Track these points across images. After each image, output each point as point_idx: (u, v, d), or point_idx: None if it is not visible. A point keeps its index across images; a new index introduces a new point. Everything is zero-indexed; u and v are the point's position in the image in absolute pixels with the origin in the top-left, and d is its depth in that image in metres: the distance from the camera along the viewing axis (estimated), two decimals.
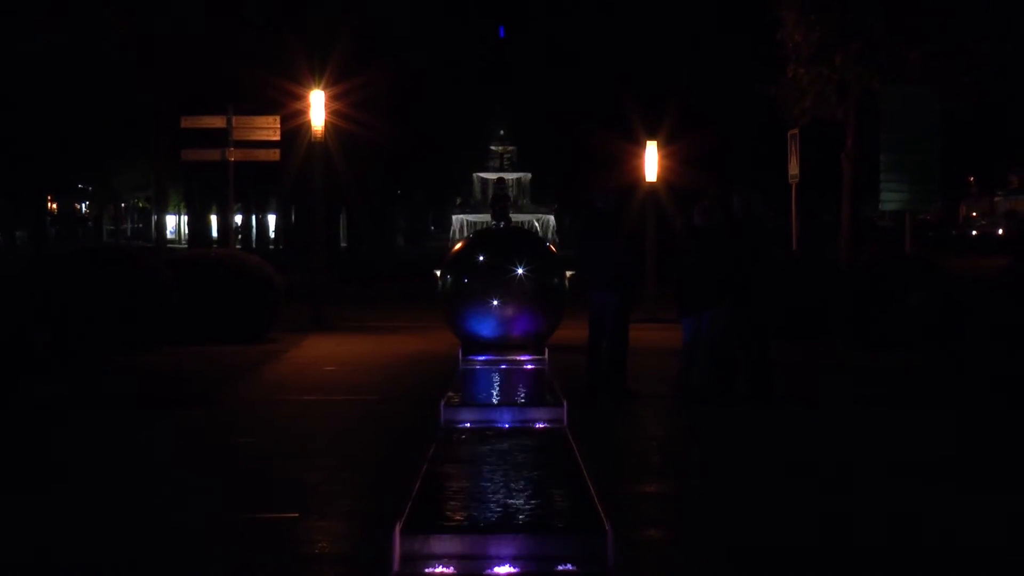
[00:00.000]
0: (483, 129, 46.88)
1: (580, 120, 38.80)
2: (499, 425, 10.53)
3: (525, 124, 46.70)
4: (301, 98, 21.17)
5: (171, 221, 76.86)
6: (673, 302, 12.48)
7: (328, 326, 19.67)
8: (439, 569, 6.37)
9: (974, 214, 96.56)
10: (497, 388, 13.09)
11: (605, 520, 6.72)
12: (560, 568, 6.39)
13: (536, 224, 42.04)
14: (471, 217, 42.32)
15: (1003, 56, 23.73)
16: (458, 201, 47.90)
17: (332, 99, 21.29)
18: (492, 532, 6.78)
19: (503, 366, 14.51)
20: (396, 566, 6.30)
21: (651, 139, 22.28)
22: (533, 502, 7.68)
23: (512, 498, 7.72)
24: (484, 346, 15.43)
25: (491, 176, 43.85)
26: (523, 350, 15.38)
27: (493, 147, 45.90)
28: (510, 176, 44.10)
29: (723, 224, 12.26)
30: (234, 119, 21.47)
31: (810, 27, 23.80)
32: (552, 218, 45.18)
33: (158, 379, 13.98)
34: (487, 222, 28.59)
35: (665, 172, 22.72)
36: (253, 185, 47.04)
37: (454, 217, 45.63)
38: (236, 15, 28.13)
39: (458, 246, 17.30)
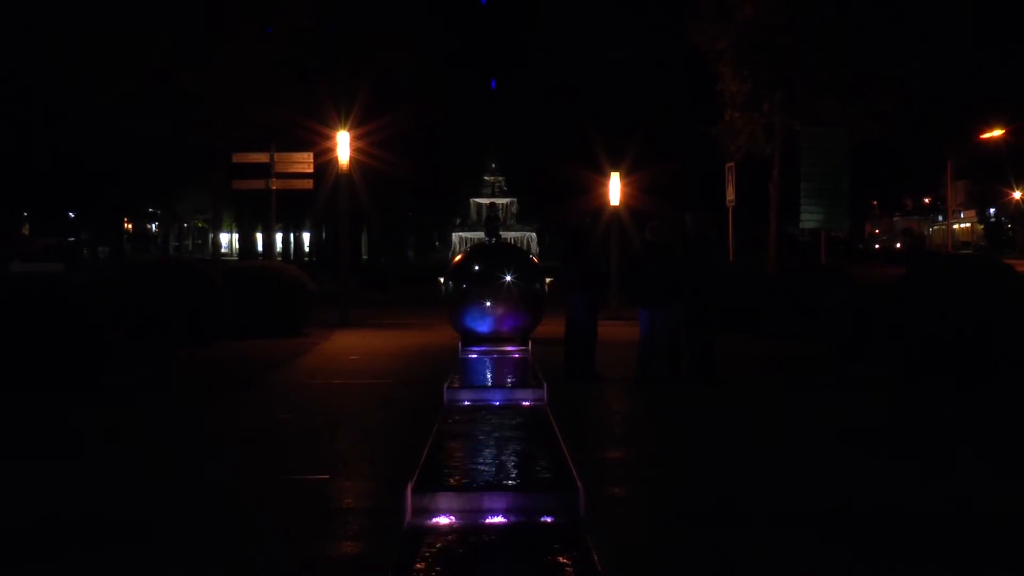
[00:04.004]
0: (478, 162, 46.98)
1: (557, 155, 38.86)
2: (491, 403, 10.54)
3: (512, 158, 46.82)
4: (330, 138, 21.14)
5: (225, 238, 76.75)
6: (633, 298, 12.48)
7: (352, 324, 19.63)
8: (443, 520, 6.37)
9: (877, 231, 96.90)
10: (490, 373, 13.09)
11: (578, 480, 6.73)
12: (541, 519, 6.40)
13: (526, 239, 42.19)
14: (468, 234, 42.37)
15: (899, 103, 23.85)
16: (457, 221, 47.95)
17: (355, 139, 21.28)
18: (486, 490, 6.79)
19: (495, 356, 14.52)
20: (408, 517, 6.31)
21: (615, 170, 22.29)
22: (519, 466, 7.68)
23: (502, 462, 7.73)
24: (479, 340, 15.43)
25: (485, 201, 43.94)
26: (511, 343, 15.39)
27: (486, 177, 46.01)
28: (500, 201, 44.24)
29: (675, 239, 12.28)
30: (276, 155, 21.48)
31: (743, 80, 23.92)
32: (534, 235, 45.23)
33: (215, 367, 13.93)
34: (481, 238, 28.60)
35: (626, 198, 22.74)
36: (291, 208, 46.99)
37: (454, 234, 45.67)
38: (276, 71, 28.18)
39: (458, 258, 17.29)
